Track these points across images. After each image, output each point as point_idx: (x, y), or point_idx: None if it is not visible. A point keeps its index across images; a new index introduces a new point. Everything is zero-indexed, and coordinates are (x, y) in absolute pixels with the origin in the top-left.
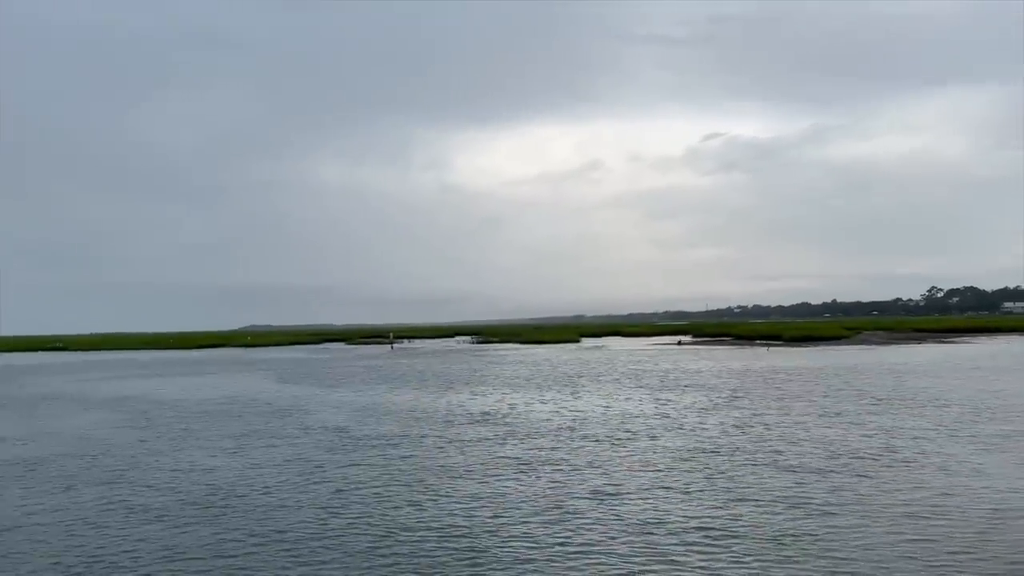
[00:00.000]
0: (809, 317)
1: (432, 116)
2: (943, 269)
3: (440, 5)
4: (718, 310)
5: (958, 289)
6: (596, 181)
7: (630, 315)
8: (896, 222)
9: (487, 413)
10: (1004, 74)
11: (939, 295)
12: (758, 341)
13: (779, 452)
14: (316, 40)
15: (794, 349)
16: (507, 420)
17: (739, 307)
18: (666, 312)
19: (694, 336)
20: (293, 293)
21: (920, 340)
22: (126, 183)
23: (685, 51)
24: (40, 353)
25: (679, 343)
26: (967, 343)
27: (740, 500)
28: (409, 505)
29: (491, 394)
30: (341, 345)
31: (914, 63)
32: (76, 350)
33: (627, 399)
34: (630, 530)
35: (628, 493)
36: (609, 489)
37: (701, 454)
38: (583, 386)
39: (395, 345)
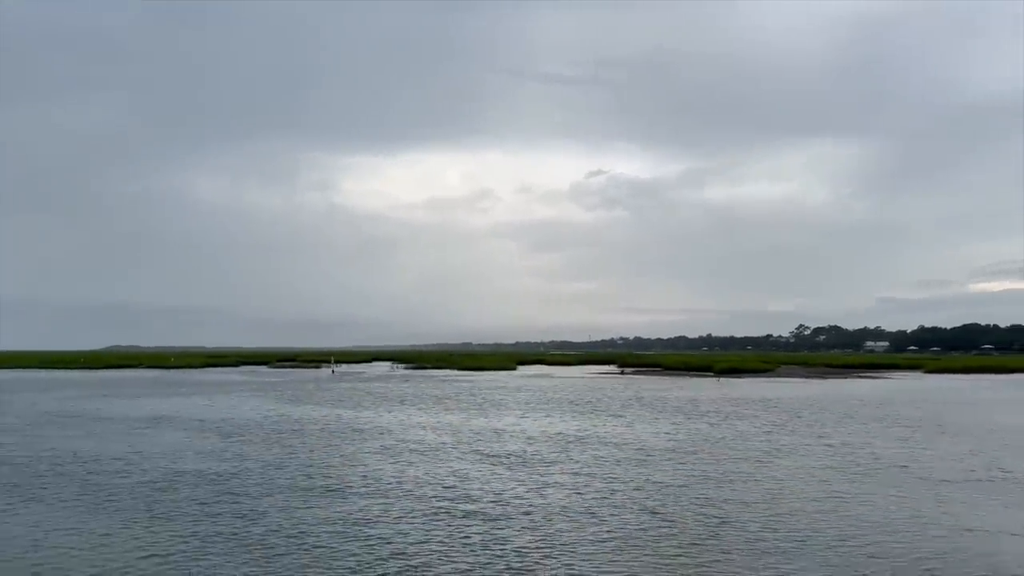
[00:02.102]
0: (687, 350)
1: (320, 137)
2: (806, 308)
3: (329, 27)
4: (602, 341)
5: (824, 327)
6: (484, 210)
7: (517, 343)
8: (764, 263)
9: (597, 435)
10: (862, 128)
11: (806, 332)
12: (691, 372)
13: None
14: (200, 54)
15: (745, 381)
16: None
17: (622, 339)
18: (551, 342)
19: (620, 366)
20: (163, 313)
21: (843, 375)
22: None
23: (573, 90)
24: None
25: (622, 372)
26: (893, 379)
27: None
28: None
29: (549, 418)
30: (264, 368)
31: (782, 115)
32: None
33: (679, 423)
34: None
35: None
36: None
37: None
38: (630, 411)
39: (335, 370)
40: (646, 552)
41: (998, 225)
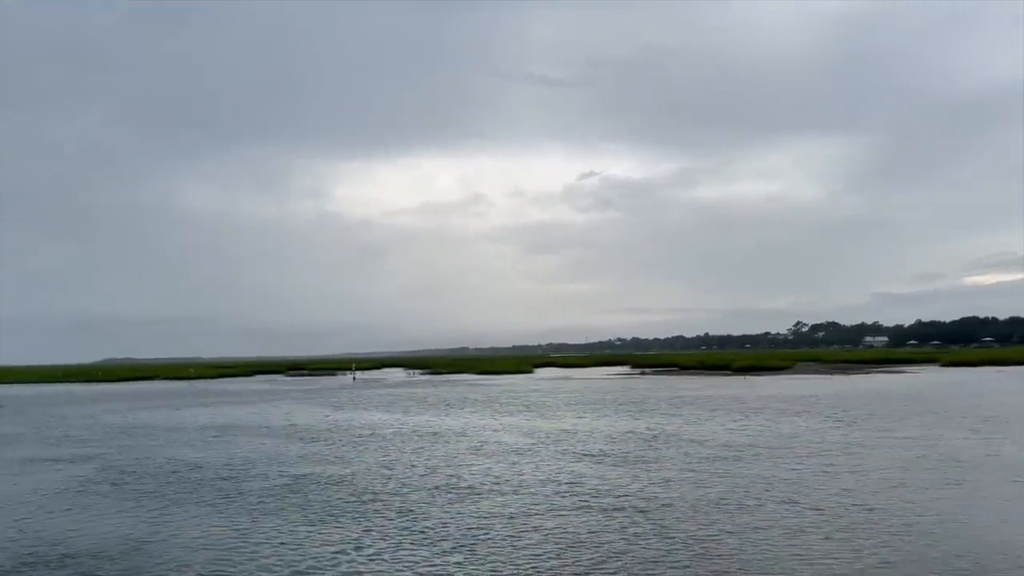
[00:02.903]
0: (685, 349)
1: (310, 144)
2: (800, 306)
3: (320, 34)
4: (599, 342)
5: (821, 324)
6: (478, 215)
7: (514, 347)
8: (757, 261)
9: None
10: (852, 123)
11: (804, 329)
12: (710, 371)
13: None
14: (189, 64)
15: (769, 379)
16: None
17: (619, 339)
18: (549, 344)
19: (633, 367)
20: (156, 325)
21: (861, 371)
22: None
23: (564, 92)
24: None
25: (642, 372)
26: (914, 373)
27: None
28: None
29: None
30: (280, 377)
31: (773, 113)
32: None
33: (771, 422)
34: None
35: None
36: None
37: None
38: (682, 410)
39: (356, 376)
40: (820, 537)
41: (990, 218)
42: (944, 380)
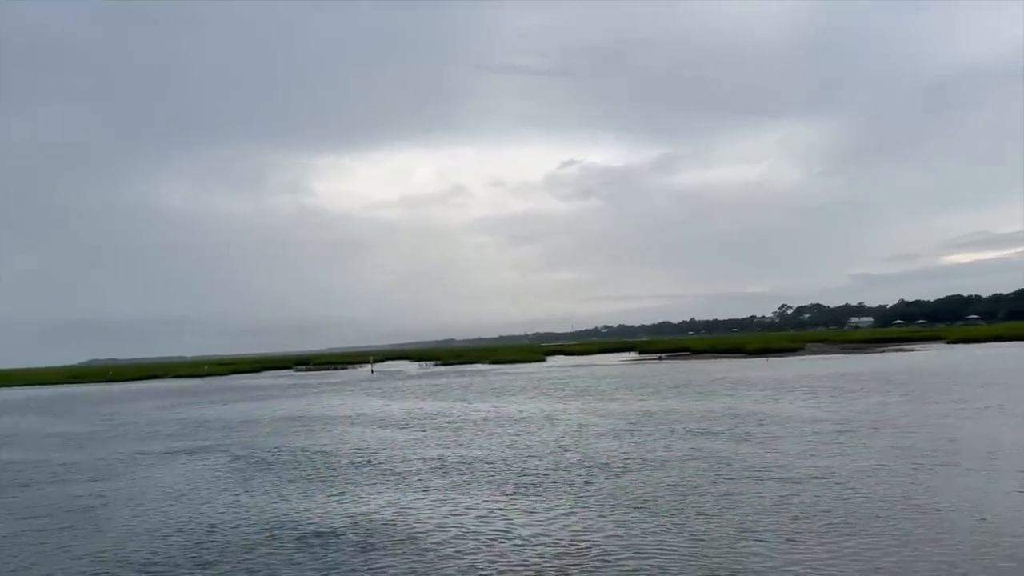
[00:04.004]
0: (673, 335)
1: (287, 139)
2: (782, 288)
3: (295, 27)
4: (586, 330)
5: (806, 306)
6: (459, 206)
7: (500, 337)
8: (739, 245)
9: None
10: (830, 105)
11: (789, 312)
12: (725, 355)
13: None
14: (160, 61)
15: (791, 359)
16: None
17: (606, 327)
18: (535, 333)
19: (640, 352)
20: (137, 325)
21: (873, 350)
22: None
23: (541, 81)
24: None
25: (659, 358)
26: (931, 351)
27: None
28: None
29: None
30: (288, 372)
31: (750, 97)
32: None
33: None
34: None
35: None
36: None
37: None
38: (742, 390)
39: (374, 369)
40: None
41: (966, 197)
42: (965, 356)
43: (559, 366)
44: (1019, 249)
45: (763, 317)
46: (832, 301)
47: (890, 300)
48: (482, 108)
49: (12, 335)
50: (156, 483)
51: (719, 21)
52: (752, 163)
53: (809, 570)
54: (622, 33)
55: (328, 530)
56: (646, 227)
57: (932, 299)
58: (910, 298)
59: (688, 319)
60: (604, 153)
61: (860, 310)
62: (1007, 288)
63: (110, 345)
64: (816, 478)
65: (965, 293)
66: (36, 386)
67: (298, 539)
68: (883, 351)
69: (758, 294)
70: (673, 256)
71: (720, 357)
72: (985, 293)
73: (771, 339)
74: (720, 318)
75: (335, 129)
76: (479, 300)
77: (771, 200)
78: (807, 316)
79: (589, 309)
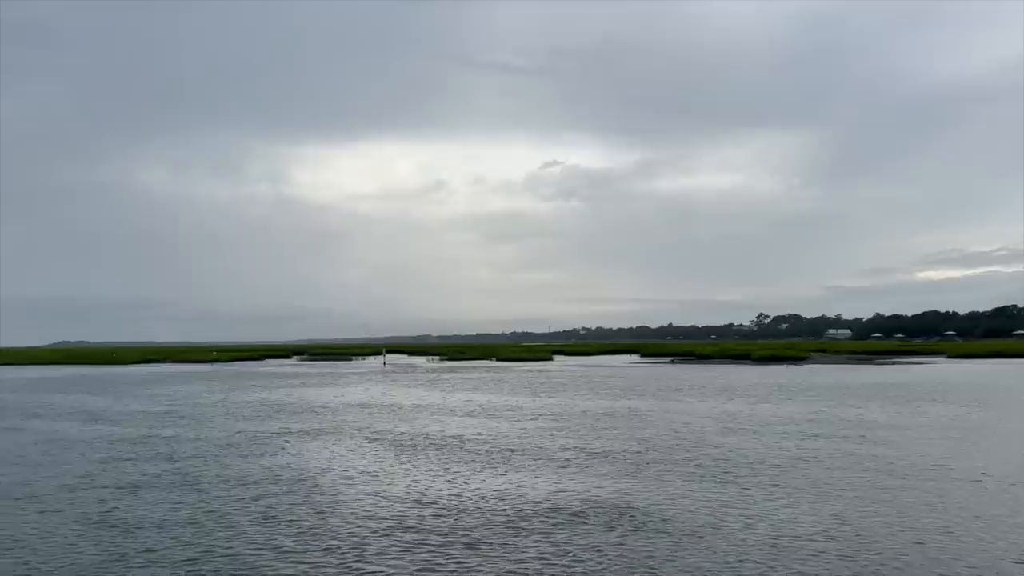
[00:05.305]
0: (650, 339)
1: (268, 127)
2: (757, 298)
3: (279, 18)
4: (564, 331)
5: (784, 316)
6: (440, 202)
7: (478, 335)
8: (715, 253)
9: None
10: (810, 118)
11: (767, 321)
12: (732, 361)
13: None
14: (140, 43)
15: (805, 368)
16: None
17: (584, 328)
18: (513, 333)
19: (642, 356)
20: (111, 308)
21: (879, 362)
22: None
23: (525, 80)
24: None
25: (671, 361)
26: (939, 364)
27: None
28: None
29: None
30: (290, 361)
31: (732, 106)
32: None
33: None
34: None
35: None
36: None
37: None
38: (798, 397)
39: (387, 362)
40: None
41: (940, 215)
42: (979, 370)
43: (574, 365)
44: (992, 268)
45: (741, 325)
46: (807, 312)
47: (864, 313)
48: (466, 104)
49: None
50: (349, 463)
51: (705, 28)
52: (732, 172)
53: None
54: (608, 35)
55: (577, 510)
56: (625, 231)
57: (908, 314)
58: (884, 312)
59: (666, 324)
60: (586, 155)
61: (838, 322)
62: (982, 306)
63: (82, 328)
64: (950, 479)
65: (942, 309)
66: (29, 366)
67: (554, 517)
68: (893, 363)
69: (733, 302)
70: (651, 261)
71: (736, 363)
72: (961, 310)
73: (777, 347)
74: (697, 324)
75: (317, 119)
76: (456, 297)
77: (749, 210)
78: (784, 326)
79: (567, 310)
